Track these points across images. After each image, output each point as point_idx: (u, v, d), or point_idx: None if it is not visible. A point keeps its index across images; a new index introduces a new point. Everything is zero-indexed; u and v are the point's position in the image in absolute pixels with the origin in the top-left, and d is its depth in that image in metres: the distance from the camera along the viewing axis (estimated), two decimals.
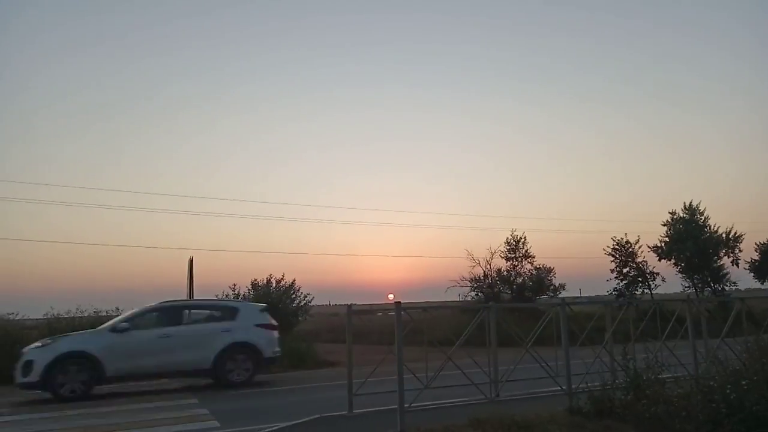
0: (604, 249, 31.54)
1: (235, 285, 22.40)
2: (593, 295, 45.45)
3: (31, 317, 19.81)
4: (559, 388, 8.53)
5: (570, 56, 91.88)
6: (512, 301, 27.61)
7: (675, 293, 33.13)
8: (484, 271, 28.98)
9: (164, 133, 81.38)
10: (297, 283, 23.16)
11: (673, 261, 31.43)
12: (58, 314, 18.61)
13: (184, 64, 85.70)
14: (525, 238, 29.42)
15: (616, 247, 31.47)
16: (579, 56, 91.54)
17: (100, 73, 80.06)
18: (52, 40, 78.82)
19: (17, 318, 18.73)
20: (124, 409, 10.98)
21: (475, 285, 28.76)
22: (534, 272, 29.08)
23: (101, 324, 18.63)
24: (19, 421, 10.06)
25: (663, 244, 31.73)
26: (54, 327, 18.09)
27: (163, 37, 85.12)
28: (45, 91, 72.97)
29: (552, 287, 29.04)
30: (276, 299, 22.02)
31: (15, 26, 75.21)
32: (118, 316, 19.57)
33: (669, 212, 32.33)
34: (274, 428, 8.37)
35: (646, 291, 31.05)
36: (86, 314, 18.73)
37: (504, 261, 29.32)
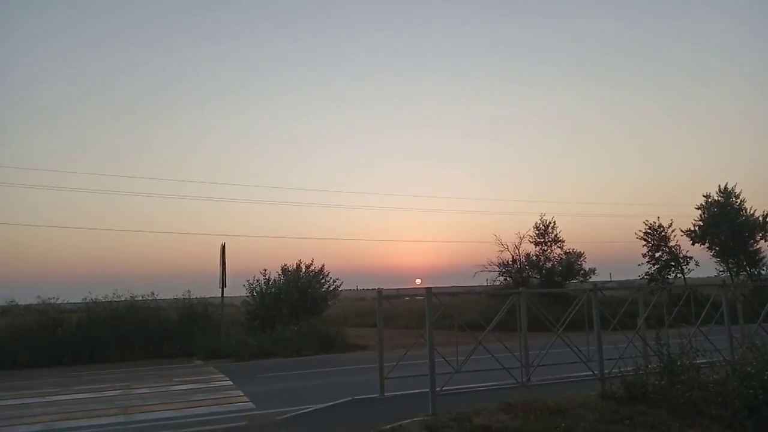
0: (635, 233, 31.06)
1: (265, 270, 22.68)
2: (624, 279, 44.96)
3: (70, 301, 20.44)
4: (591, 373, 8.50)
5: (589, 37, 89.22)
6: (541, 286, 27.38)
7: (709, 277, 32.43)
8: (513, 256, 28.79)
9: (196, 120, 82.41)
10: (326, 269, 23.28)
11: (707, 245, 30.70)
12: (96, 298, 19.20)
13: (213, 53, 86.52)
14: (554, 222, 29.08)
15: (648, 231, 30.90)
16: (597, 36, 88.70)
17: (129, 65, 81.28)
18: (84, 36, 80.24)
19: (58, 302, 19.33)
20: (161, 390, 11.33)
21: (504, 270, 28.60)
22: (564, 257, 28.75)
23: (137, 307, 19.19)
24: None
25: (697, 228, 30.93)
26: (92, 311, 18.71)
27: (194, 28, 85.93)
28: (71, 83, 74.47)
29: (582, 272, 28.65)
30: (305, 284, 22.24)
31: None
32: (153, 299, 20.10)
33: (703, 195, 31.48)
34: (307, 410, 8.56)
35: (679, 275, 30.49)
36: (123, 299, 19.28)
37: (533, 246, 29.08)
